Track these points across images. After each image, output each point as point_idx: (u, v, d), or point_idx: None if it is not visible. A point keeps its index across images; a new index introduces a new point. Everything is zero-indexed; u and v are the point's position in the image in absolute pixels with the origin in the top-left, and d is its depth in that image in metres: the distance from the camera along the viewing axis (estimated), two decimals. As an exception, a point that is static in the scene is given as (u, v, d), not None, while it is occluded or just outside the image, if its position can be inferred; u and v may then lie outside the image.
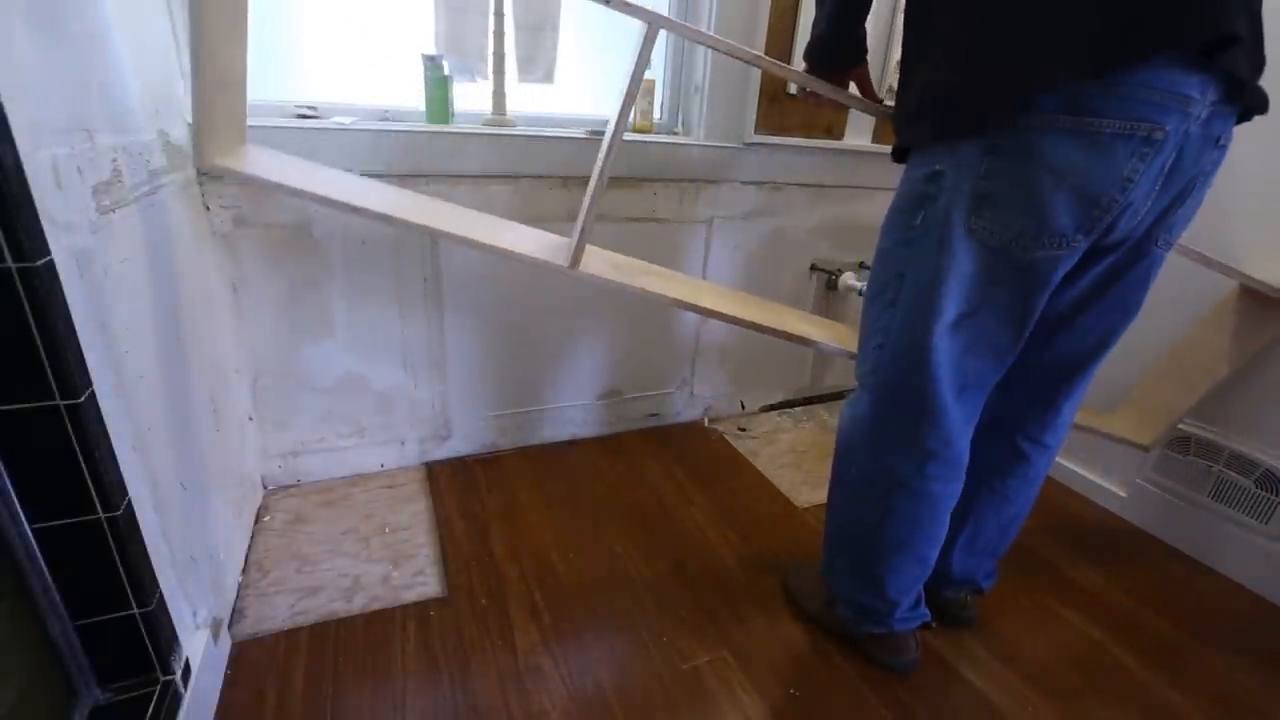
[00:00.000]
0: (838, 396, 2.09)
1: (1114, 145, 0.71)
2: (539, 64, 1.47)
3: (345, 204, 0.99)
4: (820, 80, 1.01)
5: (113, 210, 0.77)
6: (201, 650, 0.90)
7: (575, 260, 1.05)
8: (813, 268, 1.86)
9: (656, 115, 1.63)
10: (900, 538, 0.97)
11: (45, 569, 0.71)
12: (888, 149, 0.99)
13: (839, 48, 0.98)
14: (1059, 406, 1.00)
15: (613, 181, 1.51)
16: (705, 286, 1.30)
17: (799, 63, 1.07)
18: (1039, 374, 0.97)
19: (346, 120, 1.29)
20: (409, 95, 1.39)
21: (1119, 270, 0.86)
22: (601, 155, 1.01)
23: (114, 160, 0.78)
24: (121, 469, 0.73)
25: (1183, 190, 0.78)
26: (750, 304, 1.26)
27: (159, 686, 0.81)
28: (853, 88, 1.04)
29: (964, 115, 0.76)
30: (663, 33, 0.91)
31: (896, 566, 0.99)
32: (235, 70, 0.96)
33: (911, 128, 0.85)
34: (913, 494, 0.94)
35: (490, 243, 1.04)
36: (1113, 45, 0.66)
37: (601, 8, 0.89)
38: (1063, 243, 0.77)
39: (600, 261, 1.14)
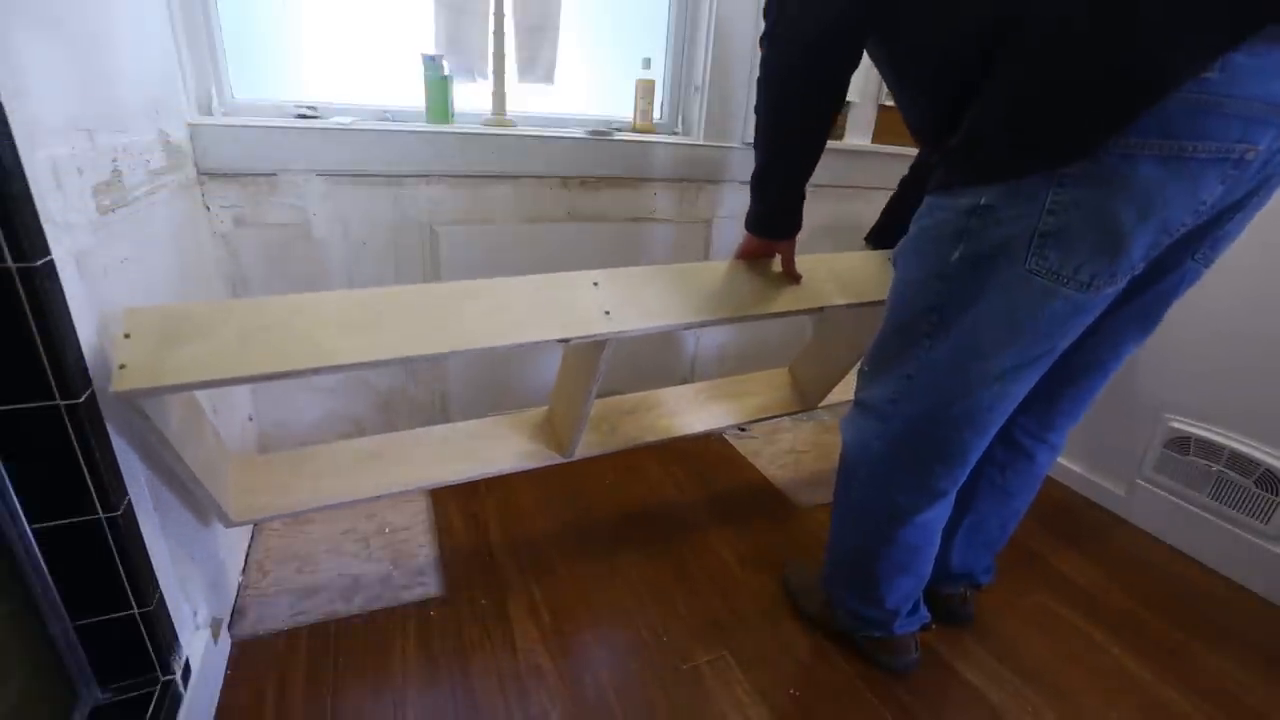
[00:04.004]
0: (838, 396, 2.09)
1: (1205, 171, 0.63)
2: (539, 64, 1.47)
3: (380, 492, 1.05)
4: (754, 251, 1.07)
5: (113, 210, 0.77)
6: (201, 650, 0.90)
7: (571, 452, 1.17)
8: (813, 268, 1.86)
9: (656, 115, 1.63)
10: (900, 563, 0.97)
11: (45, 569, 0.71)
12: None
13: (788, 215, 1.01)
14: (1064, 405, 0.98)
15: (613, 181, 1.51)
16: (686, 397, 1.39)
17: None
18: (1046, 374, 0.93)
19: (346, 120, 1.29)
20: (409, 95, 1.39)
21: (1144, 281, 0.81)
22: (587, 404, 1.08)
23: (114, 160, 0.78)
24: (121, 469, 0.73)
25: (1234, 205, 0.72)
26: (728, 397, 1.40)
27: (159, 686, 0.81)
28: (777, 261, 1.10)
29: (1054, 140, 0.66)
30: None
31: (896, 585, 1.00)
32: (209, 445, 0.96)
33: (974, 162, 0.73)
34: (913, 525, 0.94)
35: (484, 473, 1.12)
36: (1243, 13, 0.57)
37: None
38: (1129, 274, 0.71)
39: (586, 438, 1.21)
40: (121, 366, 0.71)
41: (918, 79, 0.85)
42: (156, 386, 0.70)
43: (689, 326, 1.02)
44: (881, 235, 1.32)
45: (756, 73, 0.89)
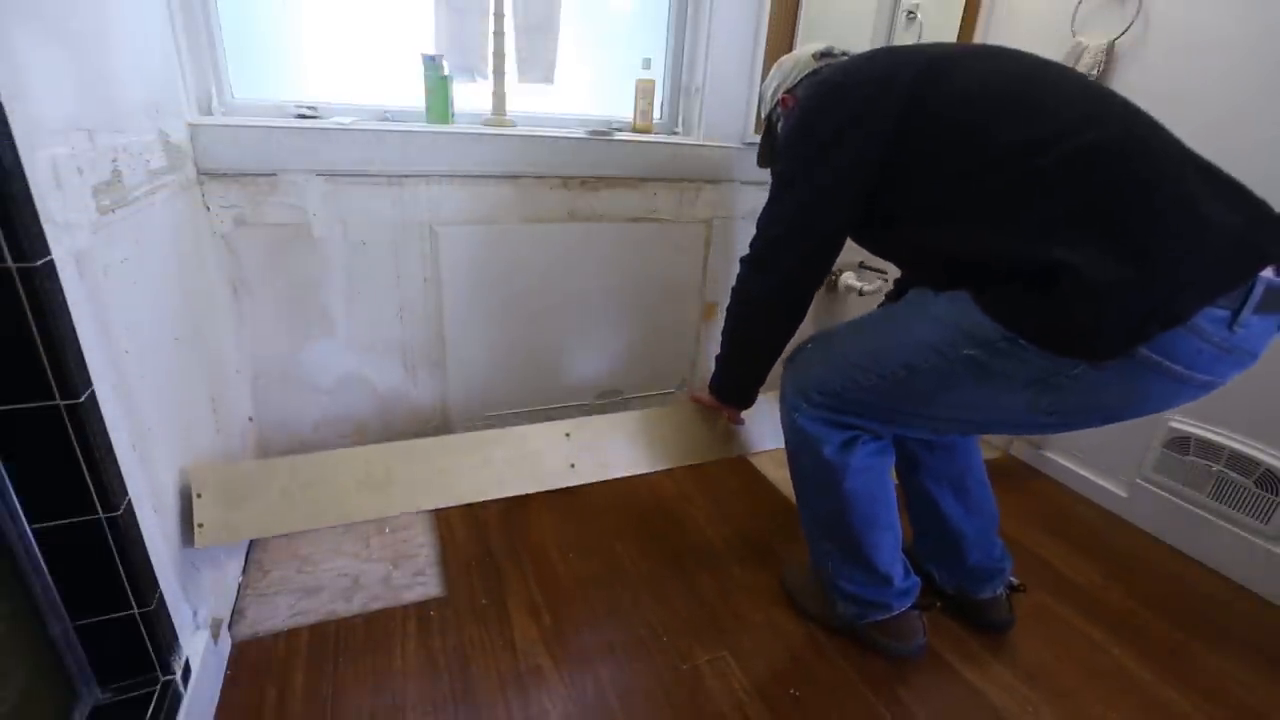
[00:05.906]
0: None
1: (1191, 392, 0.75)
2: (539, 64, 1.47)
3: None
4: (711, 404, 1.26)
5: (113, 210, 0.77)
6: (201, 650, 0.90)
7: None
8: (813, 268, 1.86)
9: (656, 115, 1.63)
10: (865, 515, 1.01)
11: (45, 569, 0.71)
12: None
13: (744, 394, 1.20)
14: None
15: (613, 181, 1.51)
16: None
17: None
18: None
19: (346, 120, 1.29)
20: (409, 95, 1.39)
21: None
22: None
23: (114, 160, 0.78)
24: (121, 469, 0.73)
25: None
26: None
27: (159, 686, 0.81)
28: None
29: (1102, 343, 0.72)
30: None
31: (875, 543, 1.02)
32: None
33: (1022, 325, 0.76)
34: (853, 472, 0.98)
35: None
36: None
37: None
38: (1087, 427, 0.84)
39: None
40: (200, 525, 0.93)
41: (933, 274, 0.91)
42: (229, 544, 0.98)
43: (640, 473, 1.29)
44: None
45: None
